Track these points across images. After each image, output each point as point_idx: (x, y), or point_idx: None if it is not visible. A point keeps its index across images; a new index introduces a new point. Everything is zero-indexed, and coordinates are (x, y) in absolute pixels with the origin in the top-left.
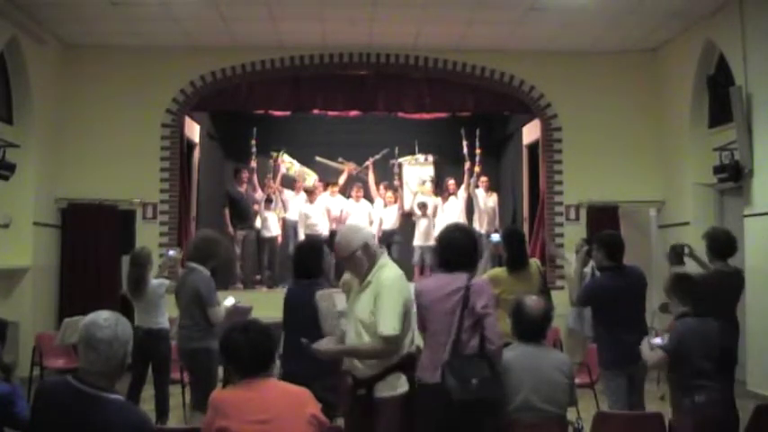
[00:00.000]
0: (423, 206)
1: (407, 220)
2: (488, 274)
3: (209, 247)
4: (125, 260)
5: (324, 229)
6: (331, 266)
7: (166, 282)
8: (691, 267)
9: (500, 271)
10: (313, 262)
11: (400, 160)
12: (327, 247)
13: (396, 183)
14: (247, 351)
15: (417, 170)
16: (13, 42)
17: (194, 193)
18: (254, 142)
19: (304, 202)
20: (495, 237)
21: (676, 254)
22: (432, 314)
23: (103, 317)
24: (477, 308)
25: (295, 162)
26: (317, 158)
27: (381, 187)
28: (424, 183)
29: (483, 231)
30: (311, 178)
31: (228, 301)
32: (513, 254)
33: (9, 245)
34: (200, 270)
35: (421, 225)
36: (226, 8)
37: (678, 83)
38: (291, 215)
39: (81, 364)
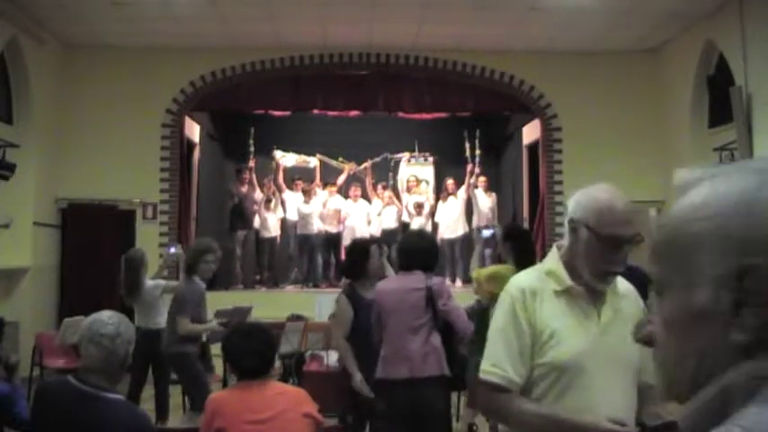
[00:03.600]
0: (419, 206)
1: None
2: (490, 271)
3: (194, 257)
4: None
5: (316, 229)
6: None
7: (162, 282)
8: None
9: (505, 269)
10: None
11: (398, 156)
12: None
13: (391, 184)
14: (249, 357)
15: (417, 170)
16: (13, 42)
17: (194, 193)
18: (251, 142)
19: (302, 203)
20: (487, 232)
21: None
22: (394, 313)
23: (107, 315)
24: (438, 306)
25: (288, 154)
26: (319, 156)
27: (379, 187)
28: (419, 183)
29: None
30: (312, 162)
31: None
32: (523, 253)
33: (9, 245)
34: (190, 280)
35: (415, 225)
36: (226, 8)
37: (678, 83)
38: (291, 215)
39: (82, 363)
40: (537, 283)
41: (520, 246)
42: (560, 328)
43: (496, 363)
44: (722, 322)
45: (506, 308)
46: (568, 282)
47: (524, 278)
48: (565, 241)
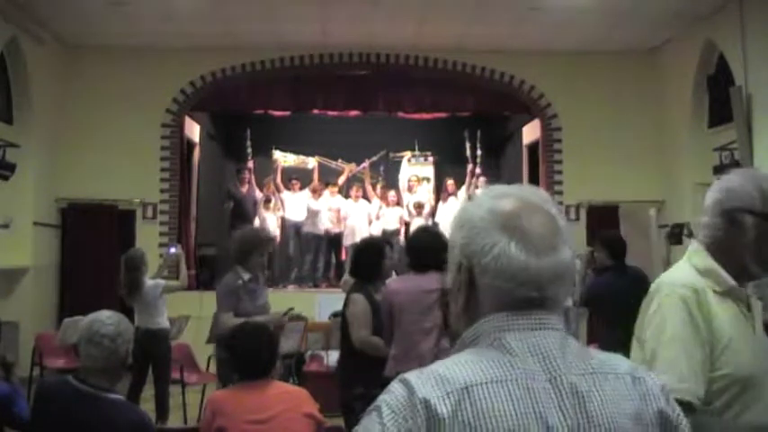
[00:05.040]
0: (419, 206)
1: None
2: None
3: (237, 246)
4: None
5: (323, 228)
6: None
7: (162, 282)
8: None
9: None
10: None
11: (398, 156)
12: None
13: (381, 184)
14: (251, 355)
15: (418, 170)
16: (13, 42)
17: (194, 193)
18: (249, 143)
19: (312, 201)
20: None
21: (674, 234)
22: (407, 313)
23: (106, 314)
24: None
25: (287, 155)
26: (318, 158)
27: (379, 187)
28: (420, 182)
29: None
30: (311, 163)
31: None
32: None
33: (9, 245)
34: (231, 272)
35: (415, 225)
36: (226, 8)
37: (678, 83)
38: (290, 215)
39: (82, 363)
40: (699, 283)
41: None
42: (736, 335)
43: (681, 378)
44: (460, 296)
45: (678, 310)
46: (731, 281)
47: (684, 276)
48: (703, 239)
